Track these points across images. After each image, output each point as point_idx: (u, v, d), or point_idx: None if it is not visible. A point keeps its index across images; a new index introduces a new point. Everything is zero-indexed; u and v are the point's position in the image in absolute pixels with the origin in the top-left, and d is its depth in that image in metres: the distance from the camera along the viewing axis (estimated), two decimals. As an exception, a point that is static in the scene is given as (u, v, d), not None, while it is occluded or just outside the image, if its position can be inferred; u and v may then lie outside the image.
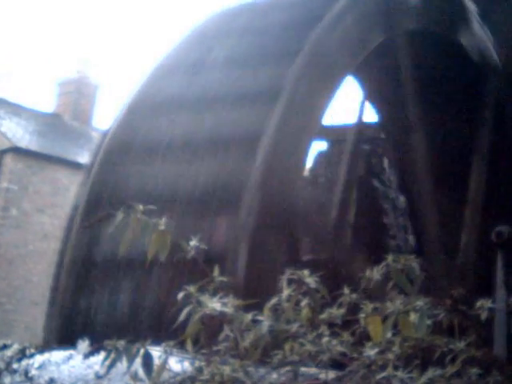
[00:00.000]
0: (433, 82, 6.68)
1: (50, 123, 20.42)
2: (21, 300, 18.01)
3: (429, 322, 2.69)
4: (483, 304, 2.83)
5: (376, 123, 7.39)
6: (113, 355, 2.67)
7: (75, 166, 17.92)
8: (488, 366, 2.94)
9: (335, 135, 7.73)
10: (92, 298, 4.57)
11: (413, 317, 2.67)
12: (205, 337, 2.75)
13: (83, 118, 21.57)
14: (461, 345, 2.76)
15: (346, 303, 2.88)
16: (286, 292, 2.89)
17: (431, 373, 2.67)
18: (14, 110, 20.10)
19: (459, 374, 2.79)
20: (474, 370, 2.82)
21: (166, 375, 2.76)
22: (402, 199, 8.93)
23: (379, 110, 7.14)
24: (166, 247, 2.82)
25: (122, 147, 5.07)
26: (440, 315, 2.79)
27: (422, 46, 6.34)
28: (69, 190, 17.15)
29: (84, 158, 17.44)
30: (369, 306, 2.76)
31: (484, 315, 2.81)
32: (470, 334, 2.92)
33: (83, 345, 3.35)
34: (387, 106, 7.02)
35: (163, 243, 2.82)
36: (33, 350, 3.69)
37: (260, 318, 2.81)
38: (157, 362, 2.72)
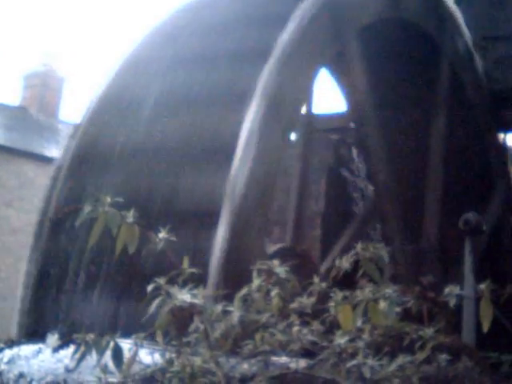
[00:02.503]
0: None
1: (16, 116, 20.20)
2: (-11, 295, 17.83)
3: (398, 309, 2.72)
4: (452, 291, 2.86)
5: (344, 113, 7.41)
6: (82, 348, 2.66)
7: (42, 159, 17.76)
8: (457, 352, 2.97)
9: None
10: (64, 295, 4.54)
11: (382, 305, 2.69)
12: (175, 328, 2.74)
13: (49, 111, 21.36)
14: (430, 331, 2.79)
15: (316, 292, 2.90)
16: (256, 282, 2.89)
17: (401, 360, 2.69)
18: (-21, 103, 19.86)
19: (429, 360, 2.82)
20: (443, 357, 2.85)
21: (136, 367, 2.75)
22: (371, 188, 8.99)
23: (350, 100, 7.14)
24: (134, 240, 2.80)
25: (94, 141, 5.02)
26: (409, 302, 2.81)
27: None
28: (35, 183, 16.99)
29: (50, 152, 17.28)
30: (339, 295, 2.77)
31: (452, 302, 2.83)
32: (439, 320, 2.94)
33: (52, 339, 3.32)
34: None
35: (131, 236, 2.80)
36: (1, 345, 3.65)
37: (230, 308, 2.81)
38: (127, 354, 2.71)
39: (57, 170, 5.01)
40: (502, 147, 7.67)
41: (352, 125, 7.64)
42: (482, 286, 2.77)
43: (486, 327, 2.79)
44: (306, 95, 5.09)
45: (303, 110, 6.03)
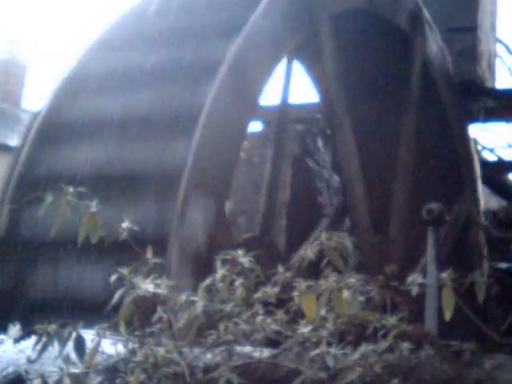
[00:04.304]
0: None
1: (-22, 105, 19.92)
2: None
3: (361, 298, 2.73)
4: (414, 279, 2.88)
5: (311, 103, 7.42)
6: (44, 339, 2.64)
7: (4, 148, 17.53)
8: (419, 341, 2.99)
9: (270, 116, 7.74)
10: (24, 281, 4.51)
11: (346, 294, 2.70)
12: (138, 319, 2.73)
13: (12, 99, 21.08)
14: (392, 320, 2.81)
15: (280, 282, 2.90)
16: (220, 272, 2.89)
17: (364, 348, 2.71)
18: None
19: (391, 348, 2.84)
20: (406, 345, 2.88)
21: (99, 358, 2.73)
22: (336, 178, 9.03)
23: (321, 90, 7.15)
24: (96, 230, 2.78)
25: (53, 127, 4.98)
26: (372, 292, 2.83)
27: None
28: (-2, 172, 16.76)
29: (13, 141, 17.06)
30: (303, 284, 2.78)
31: (415, 291, 2.85)
32: (402, 309, 2.97)
33: (14, 329, 3.29)
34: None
35: (94, 226, 2.78)
36: (-38, 337, 3.60)
37: (194, 298, 2.81)
38: (89, 345, 2.69)
39: (16, 155, 4.96)
40: (468, 138, 7.74)
41: (318, 115, 7.66)
42: (444, 275, 2.80)
43: (447, 316, 2.82)
44: (269, 78, 5.10)
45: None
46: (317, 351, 2.64)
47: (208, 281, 2.87)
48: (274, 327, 2.78)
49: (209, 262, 3.83)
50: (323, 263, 2.82)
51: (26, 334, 3.20)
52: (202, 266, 4.26)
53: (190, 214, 4.36)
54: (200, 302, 2.78)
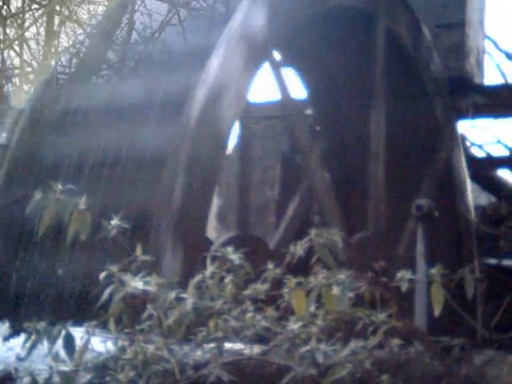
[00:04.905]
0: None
1: (-34, 102, 19.82)
2: None
3: (351, 294, 2.73)
4: (403, 275, 2.89)
5: (301, 99, 7.41)
6: (33, 337, 2.63)
7: (-7, 145, 17.44)
8: (409, 337, 3.00)
9: (259, 113, 7.73)
10: (16, 278, 4.49)
11: (335, 290, 2.70)
12: (128, 316, 2.73)
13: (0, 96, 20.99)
14: (382, 316, 2.81)
15: (270, 279, 2.90)
16: (209, 269, 2.89)
17: (354, 345, 2.71)
18: None
19: (381, 345, 2.84)
20: (396, 341, 2.88)
21: (88, 356, 2.73)
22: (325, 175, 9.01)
23: (309, 86, 7.14)
24: (86, 226, 2.78)
25: (38, 124, 4.96)
26: (361, 288, 2.83)
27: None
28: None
29: (0, 138, 16.99)
30: (292, 281, 2.78)
31: (404, 286, 2.86)
32: (391, 305, 2.97)
33: (3, 327, 3.28)
34: (318, 82, 7.03)
35: (83, 222, 2.78)
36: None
37: (184, 295, 2.80)
38: (79, 342, 2.69)
39: (2, 151, 4.95)
40: (457, 135, 7.76)
41: (309, 111, 7.66)
42: (433, 271, 2.81)
43: (437, 311, 2.83)
44: (250, 82, 5.11)
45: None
46: (307, 348, 2.64)
47: (198, 278, 2.87)
48: (264, 324, 2.78)
49: None
50: (313, 260, 2.82)
51: (15, 332, 3.19)
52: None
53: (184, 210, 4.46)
54: (190, 299, 2.78)
